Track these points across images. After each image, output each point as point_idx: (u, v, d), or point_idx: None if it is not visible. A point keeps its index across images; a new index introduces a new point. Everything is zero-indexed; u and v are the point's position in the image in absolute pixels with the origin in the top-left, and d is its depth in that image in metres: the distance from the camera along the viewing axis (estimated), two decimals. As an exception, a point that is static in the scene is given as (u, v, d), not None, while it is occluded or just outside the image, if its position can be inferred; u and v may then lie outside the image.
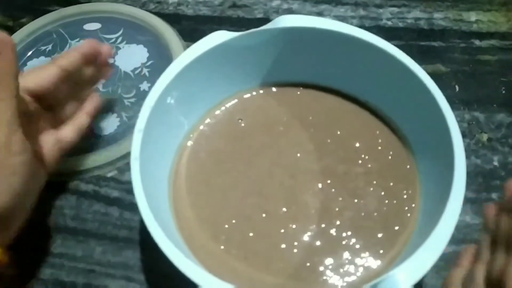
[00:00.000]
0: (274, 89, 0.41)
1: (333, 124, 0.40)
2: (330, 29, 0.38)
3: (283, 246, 0.34)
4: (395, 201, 0.35)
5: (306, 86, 0.41)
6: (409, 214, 0.35)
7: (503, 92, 0.45)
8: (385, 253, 0.33)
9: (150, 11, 0.52)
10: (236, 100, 0.41)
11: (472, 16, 0.50)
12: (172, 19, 0.51)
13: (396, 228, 0.34)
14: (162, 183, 0.36)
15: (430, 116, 0.34)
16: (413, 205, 0.35)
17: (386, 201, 0.35)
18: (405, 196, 0.36)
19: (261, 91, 0.41)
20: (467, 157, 0.41)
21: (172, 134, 0.38)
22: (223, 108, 0.41)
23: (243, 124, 0.40)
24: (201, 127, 0.40)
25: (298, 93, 0.41)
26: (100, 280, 0.38)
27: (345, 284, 0.32)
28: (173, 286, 0.36)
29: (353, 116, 0.40)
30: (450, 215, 0.29)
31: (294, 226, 0.35)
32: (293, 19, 0.38)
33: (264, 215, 0.35)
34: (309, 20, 0.38)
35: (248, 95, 0.41)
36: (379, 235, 0.34)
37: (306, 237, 0.34)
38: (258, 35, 0.38)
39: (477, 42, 0.48)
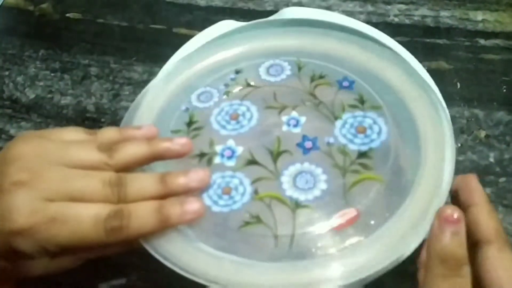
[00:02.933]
0: None
1: None
2: (333, 23, 0.39)
3: None
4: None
5: None
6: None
7: (504, 91, 0.46)
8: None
9: (164, 1, 0.54)
10: None
11: (479, 16, 0.51)
12: (185, 9, 0.53)
13: None
14: None
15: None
16: None
17: None
18: None
19: None
20: (464, 152, 0.42)
21: None
22: None
23: None
24: None
25: None
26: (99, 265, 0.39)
27: None
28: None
29: None
30: (436, 205, 0.29)
31: None
32: (297, 12, 0.40)
33: None
34: (313, 13, 0.39)
35: None
36: None
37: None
38: (263, 26, 0.39)
39: (482, 41, 0.49)
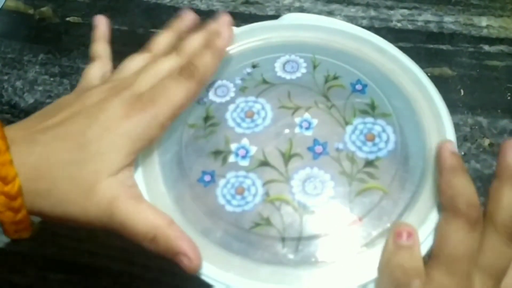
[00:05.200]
0: None
1: None
2: (334, 28, 0.38)
3: None
4: None
5: None
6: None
7: (509, 98, 0.45)
8: None
9: (165, 5, 0.54)
10: None
11: (483, 21, 0.50)
12: (186, 13, 0.53)
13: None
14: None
15: None
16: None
17: None
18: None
19: None
20: (467, 161, 0.42)
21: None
22: None
23: None
24: None
25: None
26: (102, 262, 0.39)
27: None
28: (171, 269, 0.37)
29: None
30: (438, 215, 0.30)
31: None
32: (299, 18, 0.39)
33: None
34: (314, 19, 0.39)
35: None
36: None
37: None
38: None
39: (486, 47, 0.48)
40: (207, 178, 0.33)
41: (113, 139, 0.30)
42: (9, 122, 0.47)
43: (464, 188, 0.29)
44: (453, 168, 0.30)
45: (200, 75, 0.34)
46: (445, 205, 0.29)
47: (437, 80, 0.36)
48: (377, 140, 0.33)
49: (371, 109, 0.35)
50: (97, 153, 0.30)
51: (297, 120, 0.34)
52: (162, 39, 0.38)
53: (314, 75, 0.37)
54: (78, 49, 0.52)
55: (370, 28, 0.42)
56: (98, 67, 0.37)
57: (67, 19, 0.54)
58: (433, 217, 0.30)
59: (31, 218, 0.30)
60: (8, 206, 0.28)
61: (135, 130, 0.31)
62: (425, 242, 0.29)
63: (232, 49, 0.39)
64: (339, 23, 0.39)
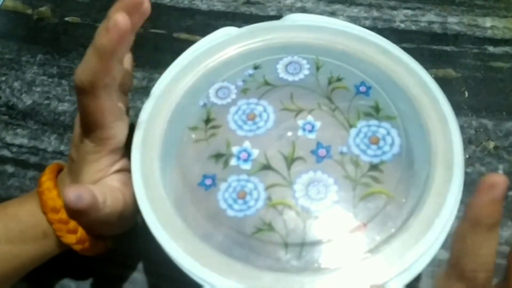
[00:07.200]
0: None
1: None
2: (337, 29, 0.38)
3: None
4: None
5: None
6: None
7: (514, 100, 0.45)
8: None
9: (165, 5, 0.53)
10: None
11: (487, 22, 0.49)
12: (186, 13, 0.52)
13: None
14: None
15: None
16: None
17: None
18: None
19: None
20: (472, 164, 0.41)
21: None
22: None
23: None
24: None
25: None
26: (101, 266, 0.39)
27: None
28: (170, 275, 0.37)
29: None
30: (444, 220, 0.29)
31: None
32: (301, 18, 0.39)
33: None
34: (317, 20, 0.38)
35: None
36: None
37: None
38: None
39: (490, 49, 0.48)
40: (208, 181, 0.32)
41: None
42: (7, 123, 0.47)
43: (479, 249, 0.23)
44: (481, 222, 0.23)
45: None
46: (451, 259, 0.24)
47: (441, 82, 0.35)
48: (381, 143, 0.33)
49: (375, 112, 0.34)
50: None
51: (300, 122, 0.34)
52: None
53: (317, 76, 0.36)
54: (77, 49, 0.51)
55: (373, 28, 0.41)
56: None
57: (66, 19, 0.53)
58: (440, 222, 0.29)
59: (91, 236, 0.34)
60: (66, 230, 0.33)
61: None
62: (430, 249, 0.28)
63: (234, 50, 0.38)
64: (342, 24, 0.39)
